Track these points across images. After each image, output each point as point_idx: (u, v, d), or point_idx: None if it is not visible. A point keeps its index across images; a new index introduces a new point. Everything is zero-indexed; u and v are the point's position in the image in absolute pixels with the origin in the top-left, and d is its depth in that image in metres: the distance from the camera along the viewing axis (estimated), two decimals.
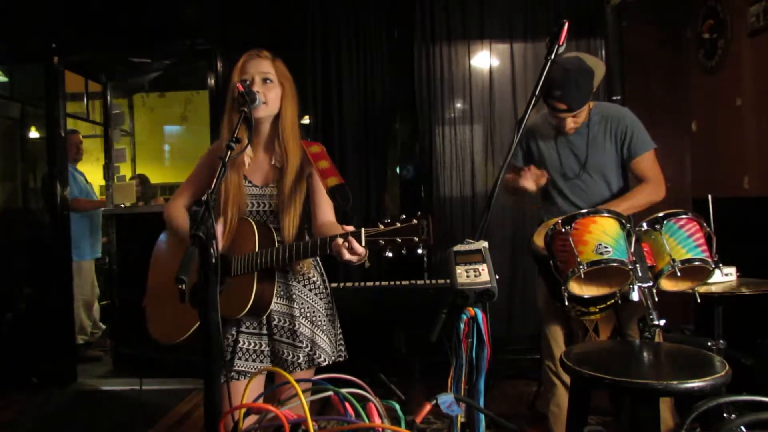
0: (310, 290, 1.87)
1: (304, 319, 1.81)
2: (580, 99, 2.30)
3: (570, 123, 2.38)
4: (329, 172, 1.65)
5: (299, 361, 1.78)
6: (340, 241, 1.48)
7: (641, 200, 2.39)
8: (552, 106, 2.34)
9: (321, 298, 1.89)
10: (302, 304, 1.83)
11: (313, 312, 1.85)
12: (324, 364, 1.82)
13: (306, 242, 1.63)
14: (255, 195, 1.85)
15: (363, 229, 1.46)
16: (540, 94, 1.68)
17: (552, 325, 2.47)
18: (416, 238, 1.41)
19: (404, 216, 1.43)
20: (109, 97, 4.87)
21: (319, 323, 1.84)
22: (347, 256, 1.48)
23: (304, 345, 1.79)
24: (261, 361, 1.81)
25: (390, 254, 1.44)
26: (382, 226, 1.44)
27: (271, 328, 1.81)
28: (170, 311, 1.84)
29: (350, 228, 1.49)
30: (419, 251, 1.43)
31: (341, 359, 1.90)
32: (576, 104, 2.30)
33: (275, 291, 1.75)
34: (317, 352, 1.80)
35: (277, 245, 1.70)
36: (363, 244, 1.45)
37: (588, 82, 2.32)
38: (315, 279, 1.89)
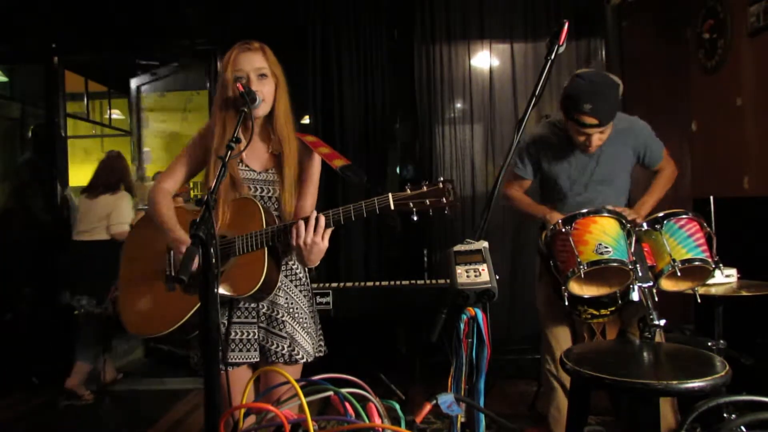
0: (295, 285, 1.87)
1: (286, 312, 1.81)
2: (609, 112, 2.17)
3: (596, 140, 2.24)
4: (333, 156, 1.69)
5: (283, 351, 1.78)
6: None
7: (665, 187, 2.48)
8: (580, 121, 2.18)
9: (304, 295, 1.88)
10: (287, 296, 1.83)
11: (296, 308, 1.84)
12: (302, 361, 1.81)
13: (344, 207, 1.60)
14: (254, 179, 1.83)
15: (390, 194, 1.49)
16: (540, 93, 1.67)
17: (554, 327, 2.44)
18: (444, 200, 1.46)
19: (428, 181, 1.49)
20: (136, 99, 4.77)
21: (300, 320, 1.84)
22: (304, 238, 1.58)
23: (286, 337, 1.79)
24: (254, 350, 1.80)
25: (416, 217, 1.49)
26: (409, 191, 1.49)
27: (259, 316, 1.81)
28: (149, 303, 1.77)
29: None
30: (446, 212, 1.48)
31: (321, 354, 1.91)
32: (606, 118, 2.17)
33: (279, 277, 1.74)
34: (296, 349, 1.80)
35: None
36: (392, 207, 1.49)
37: (615, 95, 2.20)
38: (300, 275, 1.89)
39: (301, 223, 1.58)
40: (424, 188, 1.47)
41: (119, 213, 3.75)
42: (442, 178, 1.48)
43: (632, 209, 2.37)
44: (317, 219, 1.57)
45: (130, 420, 3.41)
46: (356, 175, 1.61)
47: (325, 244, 1.61)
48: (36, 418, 3.57)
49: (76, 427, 3.45)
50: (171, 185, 1.89)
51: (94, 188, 3.85)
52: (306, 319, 1.86)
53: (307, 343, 1.83)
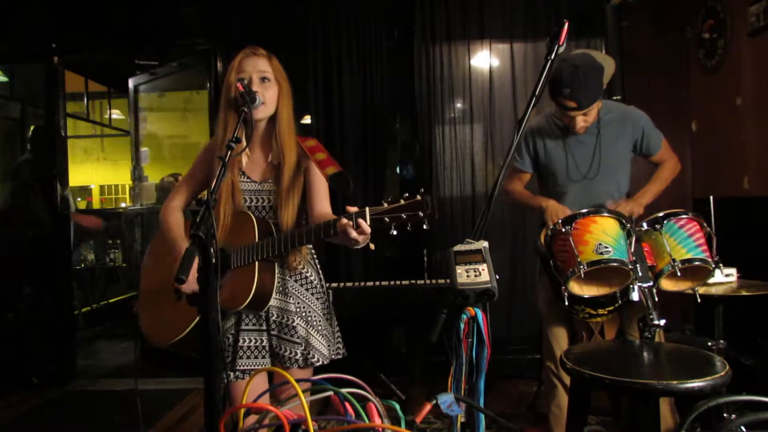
0: (307, 289, 1.87)
1: (299, 317, 1.82)
2: (590, 96, 2.21)
3: (580, 122, 2.29)
4: (327, 163, 1.67)
5: (297, 357, 1.79)
6: (345, 220, 1.48)
7: (669, 178, 2.47)
8: (561, 104, 2.24)
9: (317, 298, 1.89)
10: (298, 301, 1.84)
11: (309, 312, 1.85)
12: (318, 364, 1.82)
13: (312, 226, 1.61)
14: (253, 191, 1.85)
15: (368, 208, 1.46)
16: (540, 92, 1.67)
17: (554, 326, 2.44)
18: (421, 213, 1.42)
19: (407, 194, 1.44)
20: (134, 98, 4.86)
21: (314, 323, 1.84)
22: (353, 234, 1.47)
23: (300, 342, 1.80)
24: (263, 357, 1.81)
25: (395, 232, 1.45)
26: (386, 204, 1.45)
27: (270, 323, 1.82)
28: (165, 312, 1.84)
29: (354, 209, 1.49)
30: (424, 227, 1.43)
31: (339, 356, 1.91)
32: (586, 102, 2.20)
33: (275, 286, 1.75)
34: (311, 352, 1.80)
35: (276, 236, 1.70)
36: (368, 222, 1.46)
37: (598, 79, 2.23)
38: (312, 278, 1.89)
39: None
40: (402, 202, 1.44)
41: None
42: (422, 190, 1.44)
43: (632, 198, 2.37)
44: (355, 220, 1.49)
45: (130, 420, 3.41)
46: (343, 185, 1.59)
47: (368, 228, 1.50)
48: (36, 418, 3.57)
49: (75, 426, 3.45)
50: (179, 202, 1.94)
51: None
52: (320, 321, 1.87)
53: (322, 345, 1.84)
